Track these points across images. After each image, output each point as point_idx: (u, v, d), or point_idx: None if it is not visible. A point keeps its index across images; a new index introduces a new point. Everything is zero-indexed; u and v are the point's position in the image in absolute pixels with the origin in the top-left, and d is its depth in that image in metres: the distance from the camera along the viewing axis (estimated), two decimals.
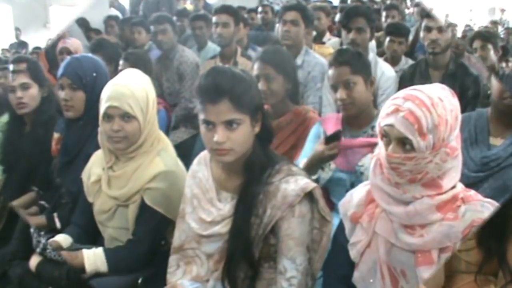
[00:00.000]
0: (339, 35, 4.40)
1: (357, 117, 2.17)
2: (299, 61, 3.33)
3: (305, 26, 3.36)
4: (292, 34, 3.30)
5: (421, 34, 3.07)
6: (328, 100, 3.22)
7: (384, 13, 5.23)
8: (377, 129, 1.45)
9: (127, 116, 1.87)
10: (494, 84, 1.98)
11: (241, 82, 1.57)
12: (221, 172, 1.72)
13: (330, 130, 2.17)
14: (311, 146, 2.31)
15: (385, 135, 1.41)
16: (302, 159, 2.31)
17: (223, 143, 1.55)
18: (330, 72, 2.17)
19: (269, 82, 2.40)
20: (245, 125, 1.58)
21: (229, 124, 1.56)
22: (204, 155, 1.79)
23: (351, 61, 2.14)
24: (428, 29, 2.99)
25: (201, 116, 1.59)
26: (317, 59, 3.35)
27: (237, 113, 1.55)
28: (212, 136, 1.56)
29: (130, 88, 1.88)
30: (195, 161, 1.82)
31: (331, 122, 2.26)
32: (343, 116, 2.25)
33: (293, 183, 1.59)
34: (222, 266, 1.66)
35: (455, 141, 1.40)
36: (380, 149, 1.44)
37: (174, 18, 5.18)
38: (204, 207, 1.70)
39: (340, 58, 2.15)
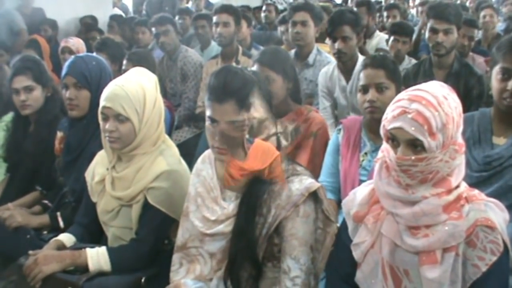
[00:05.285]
0: None
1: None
2: (311, 60, 3.35)
3: (314, 25, 3.38)
4: (303, 35, 3.34)
5: (426, 34, 3.04)
6: (323, 104, 3.20)
7: (385, 13, 5.23)
8: (381, 133, 1.44)
9: (120, 117, 1.86)
10: (494, 85, 1.98)
11: (250, 85, 1.57)
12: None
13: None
14: (330, 161, 2.29)
15: (392, 138, 1.40)
16: (323, 176, 2.29)
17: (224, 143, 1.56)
18: (364, 72, 2.16)
19: (269, 84, 2.39)
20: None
21: (232, 125, 1.56)
22: (208, 153, 1.78)
23: (388, 66, 2.15)
24: (434, 31, 2.95)
25: (207, 112, 1.59)
26: (329, 59, 3.37)
27: (241, 115, 1.56)
28: (215, 133, 1.56)
29: (125, 89, 1.86)
30: (200, 159, 1.82)
31: (353, 129, 2.24)
32: (365, 122, 2.23)
33: (297, 182, 1.59)
34: (225, 266, 1.65)
35: (460, 137, 1.41)
36: (385, 152, 1.43)
37: (177, 16, 5.18)
38: (208, 206, 1.70)
39: (377, 61, 2.16)
